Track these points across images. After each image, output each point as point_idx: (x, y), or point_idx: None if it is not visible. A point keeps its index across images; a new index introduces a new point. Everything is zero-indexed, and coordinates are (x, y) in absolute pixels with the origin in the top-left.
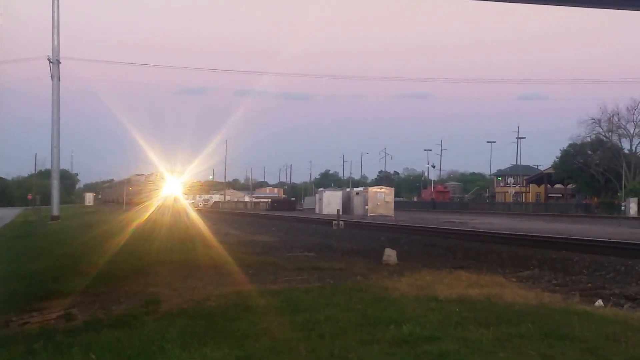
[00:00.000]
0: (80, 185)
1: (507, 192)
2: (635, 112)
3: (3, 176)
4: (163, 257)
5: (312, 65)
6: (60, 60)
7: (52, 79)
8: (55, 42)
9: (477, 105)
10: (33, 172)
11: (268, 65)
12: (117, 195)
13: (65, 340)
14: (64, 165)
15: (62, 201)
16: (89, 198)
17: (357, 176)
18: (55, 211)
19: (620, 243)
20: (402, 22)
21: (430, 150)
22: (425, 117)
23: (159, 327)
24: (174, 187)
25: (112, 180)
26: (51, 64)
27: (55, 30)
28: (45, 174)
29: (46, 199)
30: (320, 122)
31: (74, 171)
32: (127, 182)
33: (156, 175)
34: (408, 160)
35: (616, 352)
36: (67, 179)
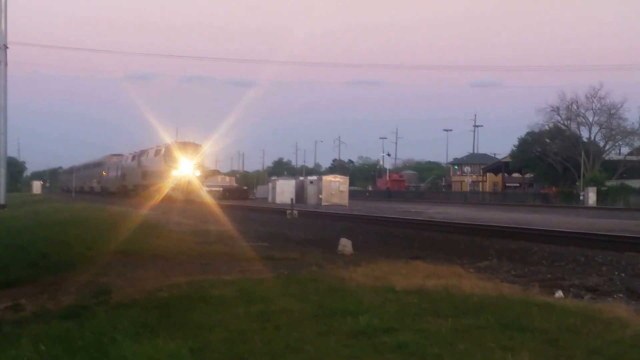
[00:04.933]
0: (27, 173)
1: (464, 181)
2: (595, 100)
3: None
4: (113, 246)
5: (261, 51)
6: (8, 46)
7: None
8: (2, 27)
9: (432, 92)
10: None
11: (215, 49)
12: (82, 181)
13: (14, 332)
14: (11, 152)
15: (9, 189)
16: (37, 186)
17: (310, 164)
18: (1, 199)
19: (579, 233)
20: (351, 4)
21: (386, 138)
22: (380, 105)
23: (110, 318)
24: (187, 166)
25: (60, 167)
26: None
27: (3, 15)
28: None
29: None
30: (273, 110)
31: (22, 159)
32: (99, 165)
33: (160, 151)
34: (363, 148)
35: (577, 344)
36: (14, 167)
